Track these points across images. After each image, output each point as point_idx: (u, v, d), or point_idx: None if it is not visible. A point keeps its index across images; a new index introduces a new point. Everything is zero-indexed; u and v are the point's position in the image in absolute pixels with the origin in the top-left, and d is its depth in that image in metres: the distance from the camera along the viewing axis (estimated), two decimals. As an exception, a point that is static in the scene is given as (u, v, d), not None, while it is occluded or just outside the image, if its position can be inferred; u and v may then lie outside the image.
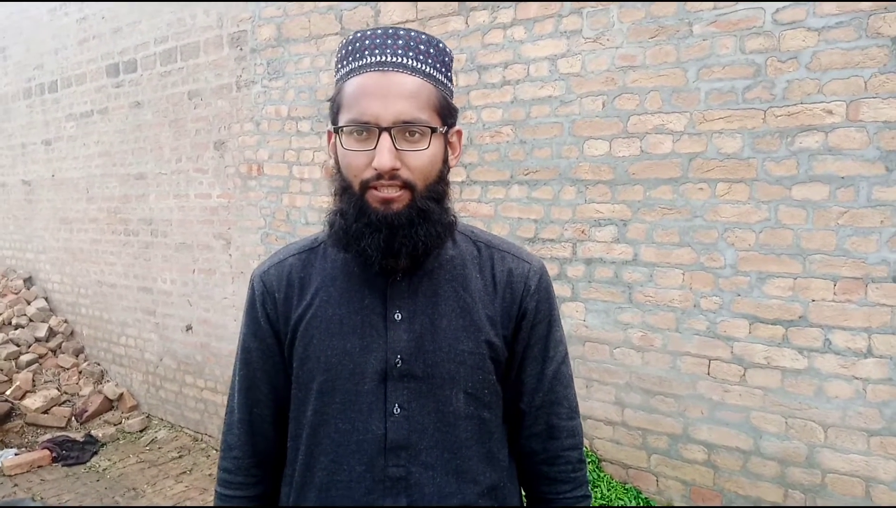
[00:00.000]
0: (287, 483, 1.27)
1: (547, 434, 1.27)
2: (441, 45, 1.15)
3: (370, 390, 1.16)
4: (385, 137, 1.06)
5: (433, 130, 1.10)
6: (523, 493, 1.35)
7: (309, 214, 4.38)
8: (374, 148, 1.07)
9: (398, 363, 1.16)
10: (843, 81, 2.55)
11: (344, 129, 1.10)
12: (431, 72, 1.12)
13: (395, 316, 1.17)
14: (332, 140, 1.17)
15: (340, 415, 1.17)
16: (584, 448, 3.28)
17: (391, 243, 1.09)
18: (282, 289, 1.24)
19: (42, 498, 4.35)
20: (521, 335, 1.23)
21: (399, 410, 1.16)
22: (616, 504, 3.07)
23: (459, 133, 1.21)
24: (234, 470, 1.29)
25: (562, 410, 1.27)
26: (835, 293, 2.62)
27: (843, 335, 2.61)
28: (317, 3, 4.19)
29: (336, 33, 4.10)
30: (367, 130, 1.08)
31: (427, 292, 1.19)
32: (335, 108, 1.14)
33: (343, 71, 1.14)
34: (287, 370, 1.25)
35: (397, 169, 1.07)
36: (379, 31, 1.12)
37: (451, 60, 1.19)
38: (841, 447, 2.65)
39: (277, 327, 1.24)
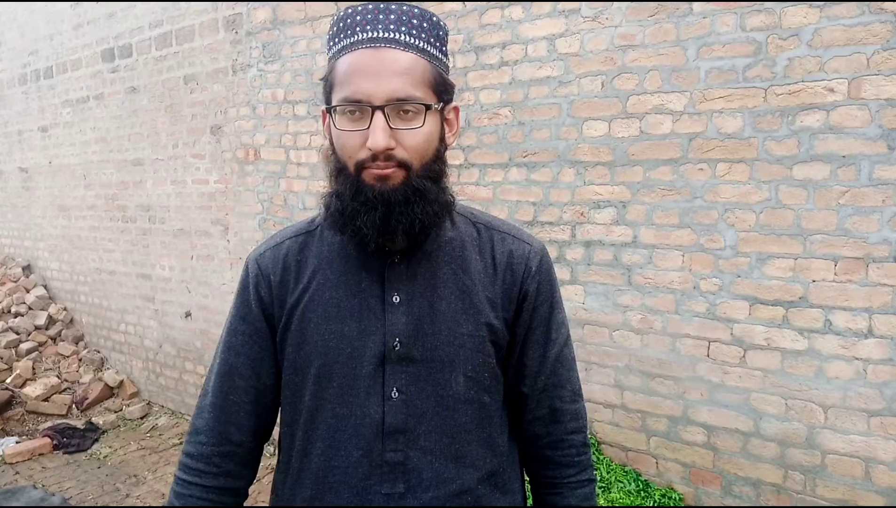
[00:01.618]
0: (282, 469, 1.25)
1: (550, 418, 1.25)
2: (435, 18, 1.12)
3: (368, 373, 1.14)
4: (378, 116, 1.03)
5: (427, 108, 1.07)
6: (527, 478, 1.33)
7: (307, 198, 4.35)
8: (368, 127, 1.04)
9: (396, 346, 1.14)
10: (845, 58, 2.51)
11: (337, 109, 1.07)
12: (425, 47, 1.08)
13: (394, 299, 1.15)
14: (327, 121, 1.14)
15: (338, 399, 1.15)
16: (584, 431, 3.28)
17: (387, 220, 1.06)
18: (277, 272, 1.21)
19: (43, 486, 4.36)
20: (523, 317, 1.22)
21: (397, 394, 1.14)
22: (615, 487, 3.07)
23: (457, 110, 1.18)
24: (197, 456, 1.22)
25: (564, 393, 1.25)
26: (835, 274, 2.60)
27: (844, 315, 2.59)
28: (312, -16, 4.15)
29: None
30: (360, 109, 1.05)
31: (426, 274, 1.17)
32: (328, 87, 1.11)
33: (335, 49, 1.10)
34: (274, 357, 1.23)
35: (392, 149, 1.04)
36: (370, 7, 1.08)
37: (446, 35, 1.16)
38: (841, 428, 2.63)
39: (271, 310, 1.21)
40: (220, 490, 1.23)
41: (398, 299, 1.15)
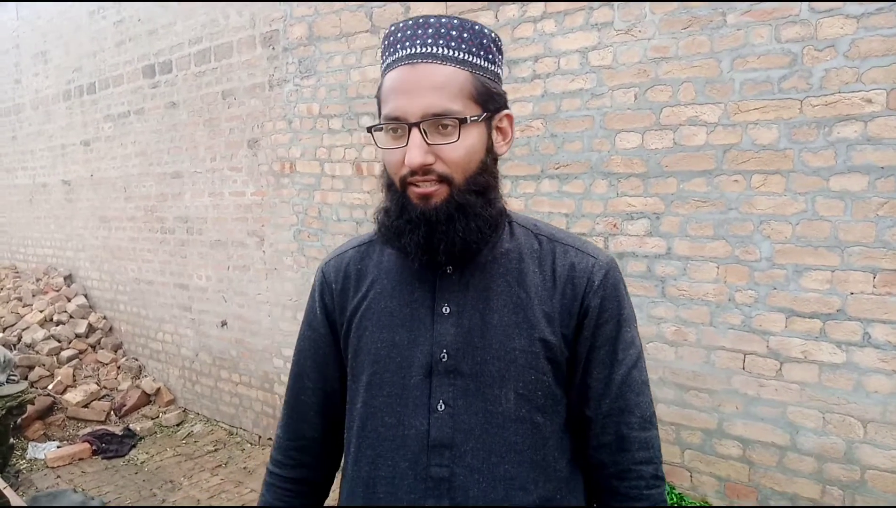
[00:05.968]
0: (343, 473, 1.27)
1: (617, 446, 1.16)
2: (477, 27, 1.10)
3: (416, 384, 1.13)
4: (414, 133, 1.03)
5: (463, 121, 1.05)
6: None
7: (340, 210, 4.41)
8: (406, 145, 1.04)
9: (443, 357, 1.12)
10: (884, 68, 2.49)
11: (382, 127, 1.09)
12: (466, 57, 1.07)
13: (444, 310, 1.14)
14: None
15: (387, 408, 1.15)
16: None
17: (430, 239, 1.07)
18: (339, 280, 1.25)
19: (83, 490, 4.46)
20: (584, 334, 1.15)
21: (444, 407, 1.11)
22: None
23: (510, 117, 1.16)
24: (277, 449, 1.34)
25: (633, 419, 1.16)
26: (874, 286, 2.57)
27: (883, 328, 2.55)
28: (347, 1, 4.22)
29: (367, 31, 4.13)
30: (399, 126, 1.06)
31: (479, 286, 1.14)
32: (379, 103, 1.13)
33: (383, 66, 1.13)
34: (339, 361, 1.26)
35: (429, 164, 1.04)
36: (410, 23, 1.09)
37: (494, 42, 1.13)
38: (881, 443, 2.59)
39: (334, 317, 1.25)
40: (297, 480, 1.33)
41: (448, 310, 1.14)
